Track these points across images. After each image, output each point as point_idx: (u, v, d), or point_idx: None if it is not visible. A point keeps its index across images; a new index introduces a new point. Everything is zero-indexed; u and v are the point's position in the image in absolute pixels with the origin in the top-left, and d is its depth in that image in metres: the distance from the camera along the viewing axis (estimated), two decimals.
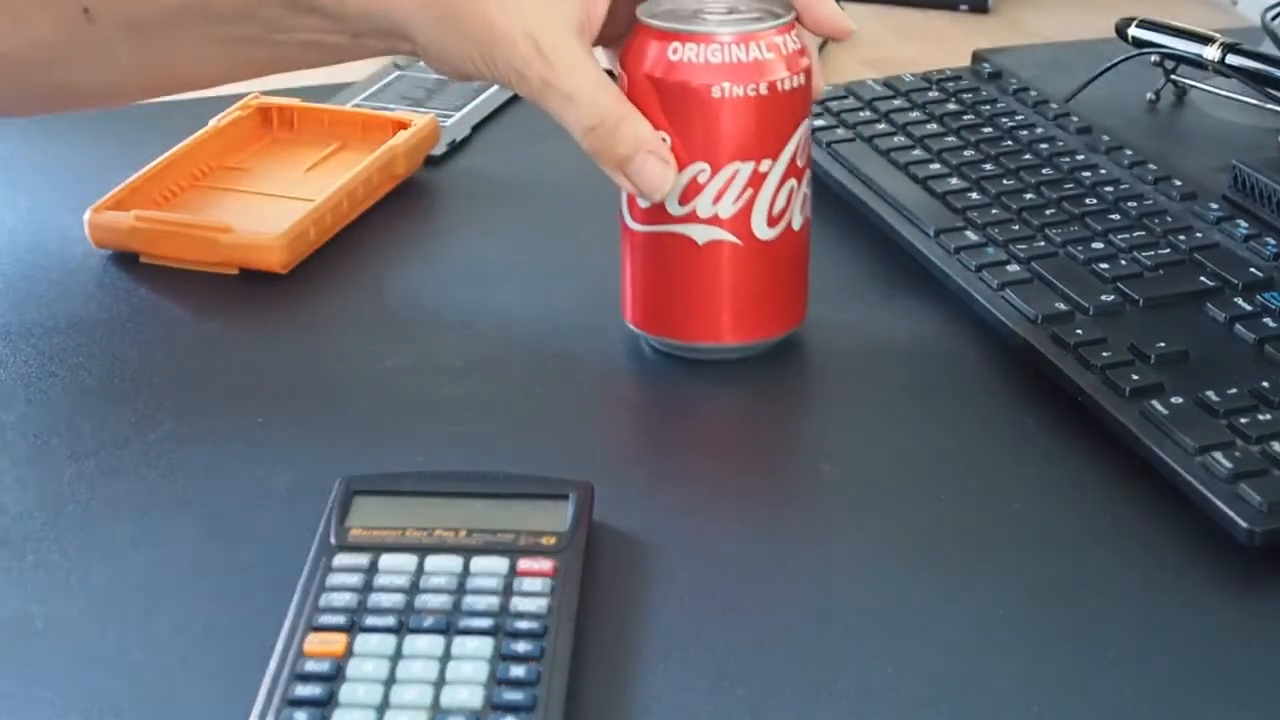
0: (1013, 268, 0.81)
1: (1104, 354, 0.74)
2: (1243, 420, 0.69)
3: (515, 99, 1.09)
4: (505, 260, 0.89)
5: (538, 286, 0.87)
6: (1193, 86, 1.05)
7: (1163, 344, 0.74)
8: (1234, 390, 0.71)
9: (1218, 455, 0.67)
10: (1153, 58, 1.05)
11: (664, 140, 0.73)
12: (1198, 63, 1.02)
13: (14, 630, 0.62)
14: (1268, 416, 0.69)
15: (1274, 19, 1.06)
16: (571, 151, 1.04)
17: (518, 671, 0.56)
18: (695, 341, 0.77)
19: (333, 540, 0.62)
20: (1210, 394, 0.70)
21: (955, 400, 0.76)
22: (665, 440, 0.74)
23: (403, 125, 0.97)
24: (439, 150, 0.99)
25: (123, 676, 0.59)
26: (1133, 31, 1.06)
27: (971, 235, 0.85)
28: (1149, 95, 1.05)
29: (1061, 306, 0.78)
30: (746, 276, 0.76)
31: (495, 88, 1.10)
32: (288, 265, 0.86)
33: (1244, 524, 0.64)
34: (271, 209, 0.89)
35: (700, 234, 0.74)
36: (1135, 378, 0.72)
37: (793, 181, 0.75)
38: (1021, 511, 0.69)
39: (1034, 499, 0.70)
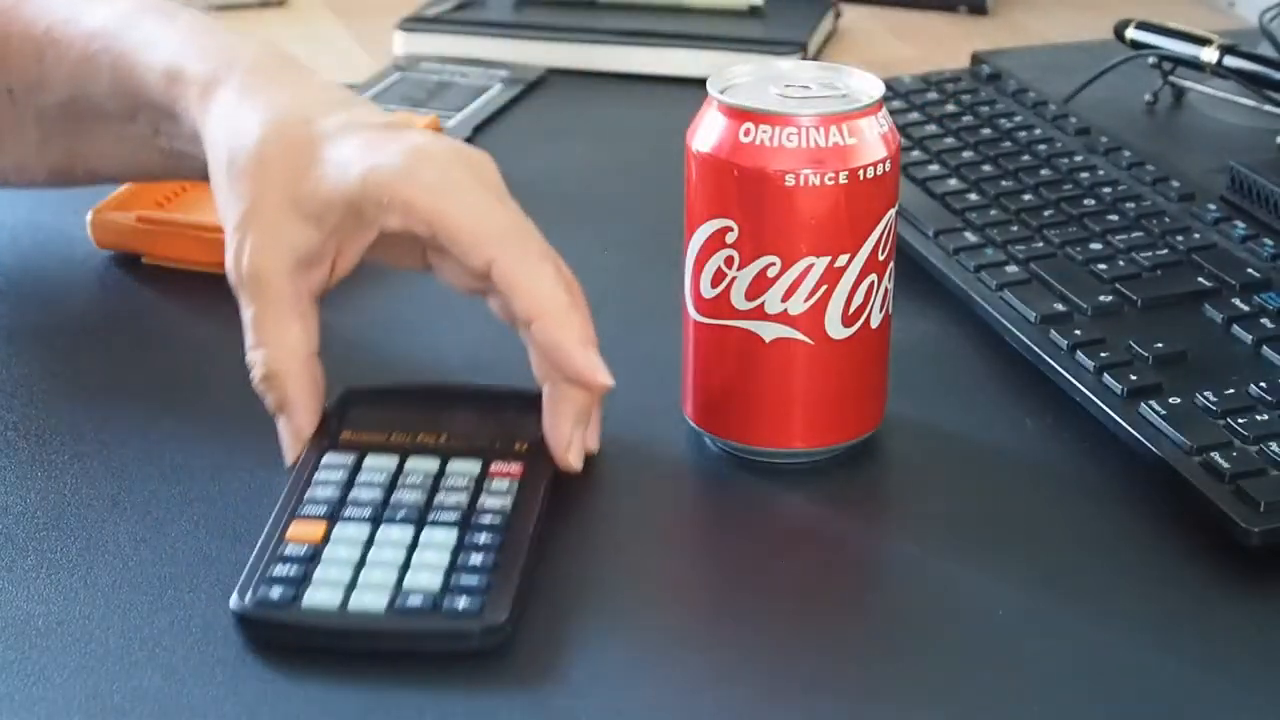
0: (1011, 268, 0.81)
1: (1102, 354, 0.74)
2: (1240, 420, 0.69)
3: (516, 101, 1.09)
4: None
5: None
6: (1190, 88, 1.05)
7: (1161, 344, 0.74)
8: (1231, 391, 0.71)
9: (1216, 455, 0.67)
10: (1150, 59, 1.05)
11: None
12: (1195, 64, 1.02)
13: (16, 630, 0.62)
14: (1265, 417, 0.69)
15: (1271, 20, 1.07)
16: (573, 154, 1.04)
17: (476, 559, 0.61)
18: (759, 445, 0.70)
19: (324, 441, 0.67)
20: (1208, 394, 0.71)
21: (953, 401, 0.76)
22: (660, 435, 0.74)
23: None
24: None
25: (123, 676, 0.59)
26: (1130, 33, 1.06)
27: (970, 236, 0.85)
28: (1147, 97, 1.06)
29: (1060, 307, 0.78)
30: (816, 378, 0.69)
31: (497, 89, 1.10)
32: None
33: (1242, 524, 0.64)
34: None
35: (767, 331, 0.68)
36: (1133, 378, 0.72)
37: (873, 277, 0.68)
38: (1019, 512, 0.69)
39: (1032, 499, 0.70)
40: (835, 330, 0.68)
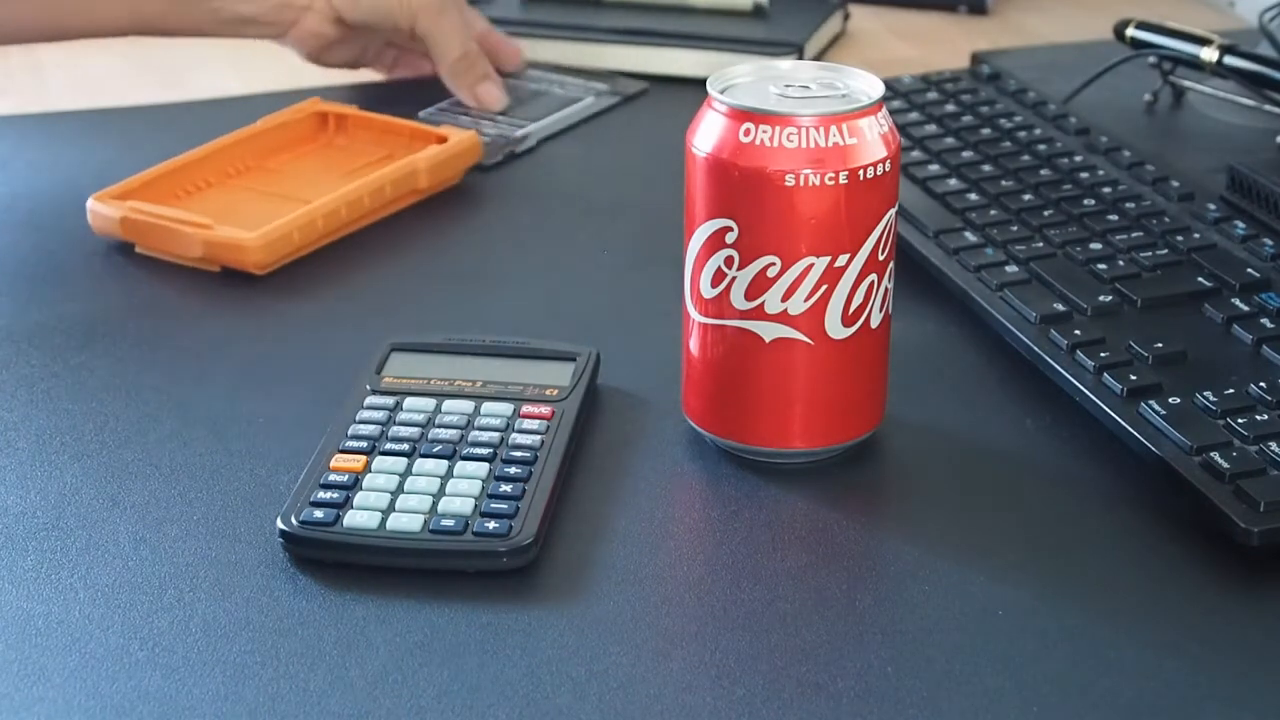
0: (1011, 268, 0.81)
1: (1102, 354, 0.74)
2: (1240, 420, 0.69)
3: (592, 118, 1.08)
4: (522, 268, 0.89)
5: (544, 295, 0.87)
6: (1190, 88, 1.05)
7: (1160, 344, 0.74)
8: (1231, 390, 0.71)
9: (1215, 455, 0.67)
10: (1150, 59, 1.05)
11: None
12: (1195, 64, 1.02)
13: (16, 630, 0.62)
14: (1265, 417, 0.69)
15: (1271, 20, 1.07)
16: (573, 154, 1.04)
17: (506, 489, 0.66)
18: (759, 445, 0.70)
19: (367, 386, 0.73)
20: (1208, 394, 0.71)
21: (954, 401, 0.76)
22: (660, 435, 0.74)
23: (444, 139, 0.96)
24: (494, 159, 0.98)
25: (123, 676, 0.60)
26: (1130, 33, 1.06)
27: (970, 236, 0.85)
28: (1147, 96, 1.06)
29: (1060, 307, 0.78)
30: (816, 378, 0.69)
31: (585, 103, 1.09)
32: (264, 266, 0.86)
33: (1242, 524, 0.64)
34: (284, 212, 0.89)
35: (767, 331, 0.68)
36: (1133, 378, 0.72)
37: (873, 276, 0.68)
38: (1020, 512, 0.69)
39: (1032, 499, 0.70)
40: (835, 330, 0.69)
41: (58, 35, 1.03)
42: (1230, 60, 1.00)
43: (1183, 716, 0.59)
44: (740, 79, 0.70)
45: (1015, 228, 0.86)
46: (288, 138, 0.98)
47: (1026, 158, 0.93)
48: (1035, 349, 0.76)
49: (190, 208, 0.89)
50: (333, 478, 0.67)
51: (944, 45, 1.22)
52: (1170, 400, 0.70)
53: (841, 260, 0.68)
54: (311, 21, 1.04)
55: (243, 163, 0.96)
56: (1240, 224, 0.85)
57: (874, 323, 0.69)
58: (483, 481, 0.67)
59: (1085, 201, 0.88)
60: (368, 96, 1.07)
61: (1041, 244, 0.84)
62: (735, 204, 0.67)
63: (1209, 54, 1.01)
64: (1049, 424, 0.74)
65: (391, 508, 0.66)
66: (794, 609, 0.63)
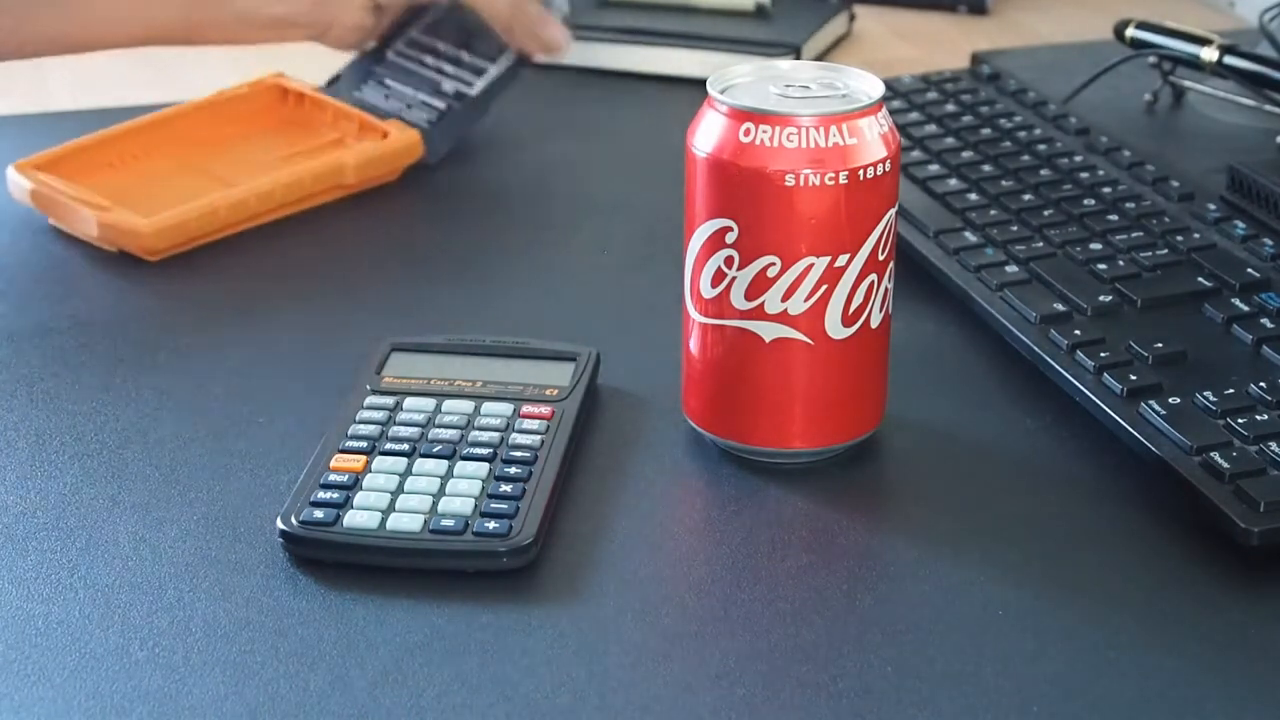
0: (1011, 268, 0.81)
1: (1102, 354, 0.74)
2: (1240, 420, 0.69)
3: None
4: (523, 268, 0.89)
5: (544, 295, 0.87)
6: (1190, 88, 1.05)
7: (1160, 344, 0.74)
8: (1231, 390, 0.71)
9: (1215, 455, 0.67)
10: (1150, 59, 1.05)
11: None
12: (1195, 64, 1.02)
13: (16, 630, 0.62)
14: (1265, 417, 0.69)
15: (1271, 20, 1.07)
16: (572, 153, 1.04)
17: (506, 489, 0.67)
18: (760, 445, 0.71)
19: (367, 386, 0.73)
20: (1208, 394, 0.71)
21: (954, 401, 0.76)
22: (660, 435, 0.74)
23: (386, 134, 0.95)
24: (436, 157, 0.98)
25: (123, 676, 0.60)
26: (1131, 33, 1.06)
27: (970, 236, 0.85)
28: (1147, 96, 1.06)
29: (1060, 307, 0.78)
30: (816, 378, 0.69)
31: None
32: (157, 253, 0.85)
33: (1242, 524, 0.64)
34: (209, 191, 0.88)
35: (767, 331, 0.68)
36: (1133, 378, 0.72)
37: (873, 277, 0.68)
38: (1020, 512, 0.69)
39: (1032, 500, 0.70)
40: (835, 330, 0.69)
41: (69, 49, 0.97)
42: (1230, 60, 1.00)
43: (1183, 716, 0.59)
44: (740, 79, 0.70)
45: (1015, 228, 0.86)
46: (243, 110, 0.97)
47: (1026, 158, 0.93)
48: (1035, 349, 0.76)
49: (111, 181, 0.88)
50: (333, 478, 0.67)
51: (944, 45, 1.22)
52: (1170, 400, 0.70)
53: (841, 260, 0.68)
54: (351, 16, 0.99)
55: (189, 134, 0.94)
56: (1240, 224, 0.85)
57: (874, 323, 0.69)
58: (483, 481, 0.67)
59: (1085, 201, 0.88)
60: None
61: (1041, 244, 0.84)
62: (735, 204, 0.67)
63: (1209, 54, 1.01)
64: (1049, 424, 0.74)
65: (391, 508, 0.66)
66: (794, 609, 0.63)
